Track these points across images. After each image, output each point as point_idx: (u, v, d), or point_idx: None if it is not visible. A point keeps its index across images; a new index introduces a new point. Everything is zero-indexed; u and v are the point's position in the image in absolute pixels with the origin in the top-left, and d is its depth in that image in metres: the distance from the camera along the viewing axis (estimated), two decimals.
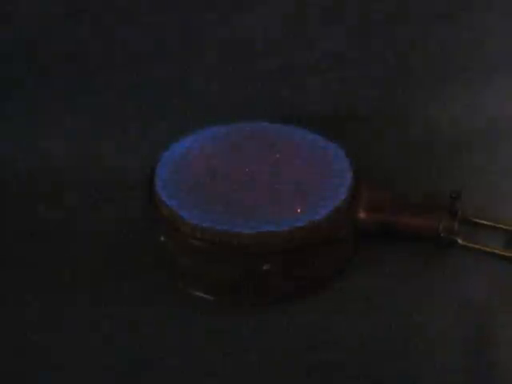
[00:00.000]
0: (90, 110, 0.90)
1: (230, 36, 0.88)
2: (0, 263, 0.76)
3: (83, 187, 0.85)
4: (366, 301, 0.70)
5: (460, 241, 0.74)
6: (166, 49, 0.89)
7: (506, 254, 0.73)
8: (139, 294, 0.71)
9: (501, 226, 0.76)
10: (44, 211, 0.82)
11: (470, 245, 0.74)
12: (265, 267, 0.68)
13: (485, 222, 0.76)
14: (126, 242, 0.77)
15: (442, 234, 0.73)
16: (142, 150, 0.86)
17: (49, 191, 0.85)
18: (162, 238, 0.72)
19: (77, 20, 0.87)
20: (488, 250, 0.74)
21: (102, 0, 0.86)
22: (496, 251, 0.74)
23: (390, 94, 0.90)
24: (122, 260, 0.75)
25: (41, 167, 0.87)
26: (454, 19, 0.88)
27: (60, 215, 0.81)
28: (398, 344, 0.67)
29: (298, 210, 0.69)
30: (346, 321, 0.68)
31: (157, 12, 0.88)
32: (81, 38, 0.88)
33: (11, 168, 0.87)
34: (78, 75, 0.89)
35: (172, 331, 0.68)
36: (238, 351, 0.66)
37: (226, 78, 0.89)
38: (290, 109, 0.89)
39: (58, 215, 0.81)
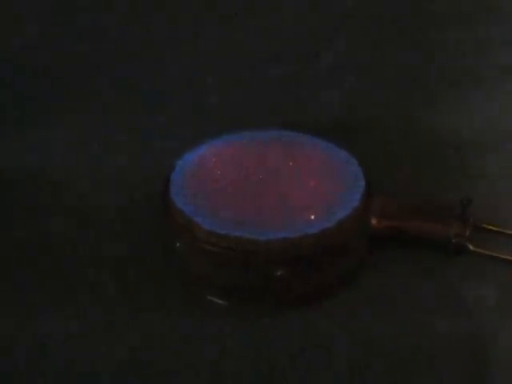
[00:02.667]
0: (103, 118, 0.92)
1: (241, 43, 0.89)
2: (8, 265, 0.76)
3: (97, 196, 0.86)
4: (377, 307, 0.71)
5: (471, 247, 0.75)
6: (176, 57, 0.90)
7: None
8: (153, 299, 0.72)
9: (511, 232, 0.77)
10: (55, 217, 0.82)
11: (481, 251, 0.75)
12: (278, 273, 0.69)
13: (495, 228, 0.77)
14: (141, 248, 0.78)
15: (453, 240, 0.74)
16: (156, 159, 0.86)
17: (59, 199, 0.85)
18: (178, 244, 0.73)
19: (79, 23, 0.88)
20: (499, 255, 0.74)
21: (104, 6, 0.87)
22: (507, 257, 0.74)
23: (399, 101, 0.91)
24: (136, 266, 0.76)
25: (43, 171, 0.88)
26: (457, 25, 0.89)
27: (72, 221, 0.82)
28: (407, 349, 0.67)
29: (312, 217, 0.70)
30: (358, 326, 0.69)
31: (161, 19, 0.89)
32: (89, 39, 0.89)
33: (16, 174, 0.88)
34: (80, 77, 0.90)
35: (186, 336, 0.69)
36: (250, 355, 0.67)
37: (239, 86, 0.91)
38: (301, 116, 0.90)
39: (69, 220, 0.82)
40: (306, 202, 0.72)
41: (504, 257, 0.74)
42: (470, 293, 0.72)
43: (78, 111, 0.92)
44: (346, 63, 0.90)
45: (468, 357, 0.66)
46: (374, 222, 0.75)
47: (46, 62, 0.90)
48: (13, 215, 0.83)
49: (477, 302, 0.71)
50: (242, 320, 0.70)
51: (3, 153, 0.90)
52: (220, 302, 0.71)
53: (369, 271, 0.74)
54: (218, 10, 0.89)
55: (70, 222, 0.81)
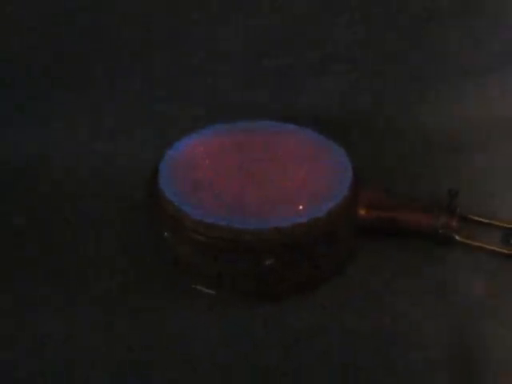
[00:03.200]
0: (92, 108, 0.91)
1: (232, 36, 0.89)
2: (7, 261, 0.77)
3: (86, 185, 0.86)
4: (364, 297, 0.71)
5: (457, 237, 0.75)
6: (169, 49, 0.90)
7: (503, 250, 0.75)
8: (142, 288, 0.72)
9: (497, 223, 0.77)
10: (44, 211, 0.82)
11: (468, 241, 0.75)
12: (267, 262, 0.69)
13: (482, 219, 0.77)
14: (129, 237, 0.78)
15: (440, 231, 0.75)
16: (144, 149, 0.87)
17: (48, 190, 0.85)
18: (166, 234, 0.73)
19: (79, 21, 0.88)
20: (485, 246, 0.75)
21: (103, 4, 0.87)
22: (493, 248, 0.75)
23: (389, 95, 0.92)
24: (125, 256, 0.76)
25: (43, 166, 0.88)
26: (449, 22, 0.90)
27: (62, 212, 0.82)
28: (394, 340, 0.68)
29: (300, 207, 0.70)
30: (348, 317, 0.69)
31: (157, 13, 0.88)
32: (86, 37, 0.89)
33: (13, 167, 0.88)
34: (80, 77, 0.90)
35: (175, 325, 0.69)
36: (240, 345, 0.67)
37: (229, 77, 0.90)
38: (292, 108, 0.90)
39: (59, 212, 0.82)
40: (295, 191, 0.72)
41: (490, 247, 0.75)
42: (457, 283, 0.73)
43: (77, 110, 0.92)
44: (339, 57, 0.90)
45: (455, 346, 0.67)
46: (362, 212, 0.75)
47: (47, 62, 0.90)
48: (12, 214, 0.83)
49: (464, 293, 0.72)
50: (231, 310, 0.70)
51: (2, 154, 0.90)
52: (209, 291, 0.71)
53: (357, 261, 0.75)
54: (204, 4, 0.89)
55: (58, 211, 0.81)
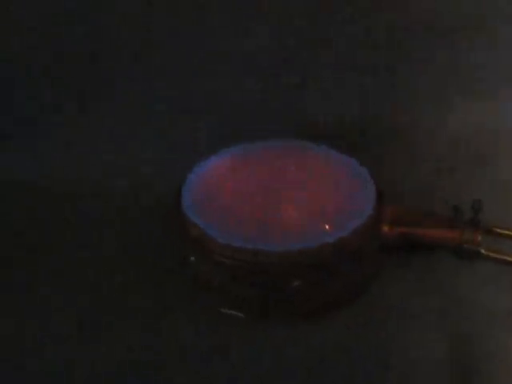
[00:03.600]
0: (113, 126, 0.92)
1: (250, 52, 0.89)
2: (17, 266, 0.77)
3: (106, 206, 0.85)
4: (389, 316, 0.71)
5: (483, 251, 0.75)
6: (187, 65, 0.90)
7: None
8: (170, 312, 0.72)
9: None
10: (63, 225, 0.82)
11: (493, 255, 0.75)
12: (294, 284, 0.69)
13: (507, 233, 0.77)
14: (154, 261, 0.77)
15: (465, 246, 0.74)
16: (167, 169, 0.86)
17: (67, 206, 0.85)
18: (192, 258, 0.73)
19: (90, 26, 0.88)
20: (510, 259, 0.75)
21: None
22: None
23: (411, 109, 0.92)
24: (151, 279, 0.76)
25: (59, 180, 0.88)
26: (462, 33, 0.90)
27: (82, 229, 0.82)
28: (422, 359, 0.67)
29: (326, 227, 0.70)
30: (375, 338, 0.69)
31: (171, 26, 0.89)
32: (99, 46, 0.89)
33: (21, 180, 0.88)
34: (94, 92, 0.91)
35: (203, 348, 0.69)
36: (267, 368, 0.67)
37: (246, 94, 0.91)
38: (309, 125, 0.90)
39: (80, 229, 0.82)
40: (320, 211, 0.72)
41: None
42: (482, 300, 0.72)
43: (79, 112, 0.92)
44: (353, 68, 0.90)
45: (476, 361, 0.67)
46: (385, 229, 0.75)
47: (47, 62, 0.90)
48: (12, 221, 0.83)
49: (489, 308, 0.71)
50: (259, 332, 0.70)
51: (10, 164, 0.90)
52: (236, 314, 0.71)
53: (382, 279, 0.75)
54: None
55: (80, 233, 0.81)
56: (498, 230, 0.77)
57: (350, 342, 0.69)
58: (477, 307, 0.71)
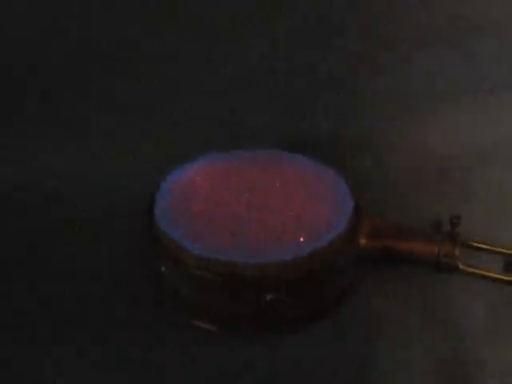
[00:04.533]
0: (89, 132, 0.91)
1: (235, 61, 0.88)
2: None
3: (80, 214, 0.84)
4: (366, 328, 0.70)
5: (461, 266, 0.74)
6: (171, 73, 0.89)
7: (506, 278, 0.73)
8: (140, 325, 0.70)
9: (500, 249, 0.76)
10: (39, 235, 0.81)
11: (471, 269, 0.74)
12: (268, 297, 0.67)
13: (485, 246, 0.76)
14: (125, 272, 0.76)
15: (442, 260, 0.73)
16: (140, 177, 0.84)
17: (42, 214, 0.84)
18: (163, 269, 0.71)
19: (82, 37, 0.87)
20: (488, 274, 0.74)
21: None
22: (495, 275, 0.74)
23: (388, 120, 0.91)
24: (121, 291, 0.74)
25: (39, 190, 0.87)
26: (446, 44, 0.89)
27: (67, 242, 0.80)
28: (397, 369, 0.66)
29: (301, 239, 0.69)
30: (347, 348, 0.68)
31: (163, 36, 0.88)
32: (86, 57, 0.88)
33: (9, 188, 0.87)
34: (78, 99, 0.89)
35: (174, 363, 0.67)
36: (240, 381, 0.66)
37: (226, 103, 0.90)
38: (289, 135, 0.89)
39: (65, 241, 0.80)
40: (296, 222, 0.71)
41: (493, 275, 0.74)
42: (459, 314, 0.72)
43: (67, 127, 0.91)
44: (334, 82, 0.90)
45: (456, 374, 0.66)
46: (362, 241, 0.74)
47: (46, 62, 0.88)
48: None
49: (465, 321, 0.71)
50: (232, 346, 0.68)
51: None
52: (209, 327, 0.70)
53: (360, 292, 0.74)
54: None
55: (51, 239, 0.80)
56: (476, 244, 0.76)
57: (327, 356, 0.68)
58: (458, 319, 0.71)
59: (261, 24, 0.87)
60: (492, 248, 0.76)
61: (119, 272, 0.76)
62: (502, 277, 0.74)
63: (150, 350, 0.68)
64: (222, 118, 0.90)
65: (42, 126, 0.89)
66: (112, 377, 0.66)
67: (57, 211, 0.84)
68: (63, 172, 0.89)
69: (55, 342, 0.69)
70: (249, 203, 0.73)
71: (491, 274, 0.74)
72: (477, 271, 0.74)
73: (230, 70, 0.89)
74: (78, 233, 0.81)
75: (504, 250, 0.76)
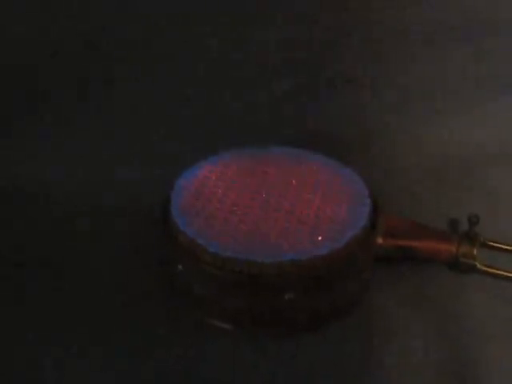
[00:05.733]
0: (101, 133, 0.90)
1: (243, 59, 0.87)
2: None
3: (94, 214, 0.83)
4: (382, 328, 0.70)
5: (479, 265, 0.73)
6: (179, 72, 0.88)
7: None
8: (156, 323, 0.70)
9: None
10: (53, 237, 0.80)
11: (489, 269, 0.73)
12: (286, 296, 0.67)
13: (503, 246, 0.76)
14: (141, 270, 0.75)
15: (460, 259, 0.73)
16: (155, 176, 0.84)
17: (59, 217, 0.83)
18: (180, 267, 0.70)
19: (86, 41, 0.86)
20: (506, 274, 0.73)
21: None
22: None
23: (405, 119, 0.90)
24: (137, 289, 0.73)
25: (50, 193, 0.86)
26: (454, 45, 0.89)
27: (70, 242, 0.80)
28: (413, 372, 0.66)
29: (319, 238, 0.68)
30: (367, 352, 0.68)
31: (163, 36, 0.87)
32: (86, 57, 0.87)
33: (16, 193, 0.86)
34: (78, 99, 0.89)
35: (190, 361, 0.67)
36: (256, 381, 0.65)
37: (238, 101, 0.89)
38: (301, 132, 0.88)
39: (67, 242, 0.80)
40: (313, 221, 0.70)
41: (510, 275, 0.73)
42: (478, 313, 0.71)
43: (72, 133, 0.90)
44: (348, 81, 0.89)
45: (470, 375, 0.66)
46: (379, 240, 0.73)
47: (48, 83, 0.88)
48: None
49: (481, 320, 0.70)
50: (248, 345, 0.68)
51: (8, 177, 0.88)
52: (226, 326, 0.69)
53: (375, 292, 0.73)
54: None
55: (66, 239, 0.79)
56: (493, 244, 0.76)
57: (344, 356, 0.67)
58: (472, 321, 0.70)
59: (264, 17, 0.87)
60: (510, 248, 0.75)
61: (119, 272, 0.75)
62: None
63: (164, 345, 0.68)
64: (233, 115, 0.89)
65: (42, 126, 0.89)
66: (112, 377, 0.66)
67: (57, 211, 0.84)
68: (63, 172, 0.88)
69: (55, 342, 0.68)
70: (265, 202, 0.73)
71: (509, 274, 0.73)
72: (495, 271, 0.73)
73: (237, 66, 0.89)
74: (78, 233, 0.80)
75: None
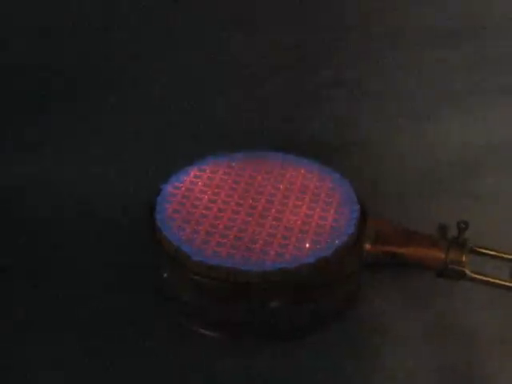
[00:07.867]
0: (90, 136, 0.89)
1: (231, 61, 0.87)
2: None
3: (81, 218, 0.83)
4: (375, 335, 0.69)
5: (468, 272, 0.72)
6: (167, 75, 0.88)
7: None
8: (141, 331, 0.69)
9: (506, 255, 0.74)
10: (39, 235, 0.80)
11: (478, 276, 0.72)
12: (272, 305, 0.66)
13: (492, 253, 0.75)
14: (129, 274, 0.75)
15: (449, 266, 0.72)
16: (142, 181, 0.83)
17: (42, 214, 0.83)
18: (165, 275, 0.69)
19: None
20: (496, 281, 0.72)
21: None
22: (504, 282, 0.72)
23: (392, 122, 0.90)
24: (122, 296, 0.73)
25: (41, 194, 0.85)
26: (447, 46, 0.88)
27: (54, 241, 0.79)
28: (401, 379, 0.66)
29: (306, 246, 0.68)
30: (357, 355, 0.68)
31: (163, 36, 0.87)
32: (86, 57, 0.87)
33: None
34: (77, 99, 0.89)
35: (175, 370, 0.66)
36: None
37: (225, 105, 0.89)
38: (291, 137, 0.88)
39: (51, 240, 0.79)
40: (300, 228, 0.70)
41: (501, 282, 0.72)
42: (465, 321, 0.71)
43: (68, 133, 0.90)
44: (335, 85, 0.89)
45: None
46: (368, 247, 0.72)
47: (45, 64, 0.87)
48: None
49: (471, 331, 0.70)
50: (234, 353, 0.67)
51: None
52: (211, 334, 0.68)
53: (363, 299, 0.73)
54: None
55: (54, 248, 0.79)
56: (482, 250, 0.75)
57: (332, 364, 0.67)
58: (463, 327, 0.70)
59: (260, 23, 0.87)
60: (500, 254, 0.75)
61: (119, 272, 0.75)
62: (509, 284, 0.72)
63: (149, 353, 0.67)
64: (220, 120, 0.89)
65: (42, 126, 0.88)
66: (112, 377, 0.65)
67: (57, 211, 0.83)
68: (63, 172, 0.88)
69: (55, 342, 0.68)
70: (252, 208, 0.72)
71: (498, 281, 0.72)
72: (484, 278, 0.72)
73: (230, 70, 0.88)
74: (78, 233, 0.80)
75: (511, 257, 0.75)
